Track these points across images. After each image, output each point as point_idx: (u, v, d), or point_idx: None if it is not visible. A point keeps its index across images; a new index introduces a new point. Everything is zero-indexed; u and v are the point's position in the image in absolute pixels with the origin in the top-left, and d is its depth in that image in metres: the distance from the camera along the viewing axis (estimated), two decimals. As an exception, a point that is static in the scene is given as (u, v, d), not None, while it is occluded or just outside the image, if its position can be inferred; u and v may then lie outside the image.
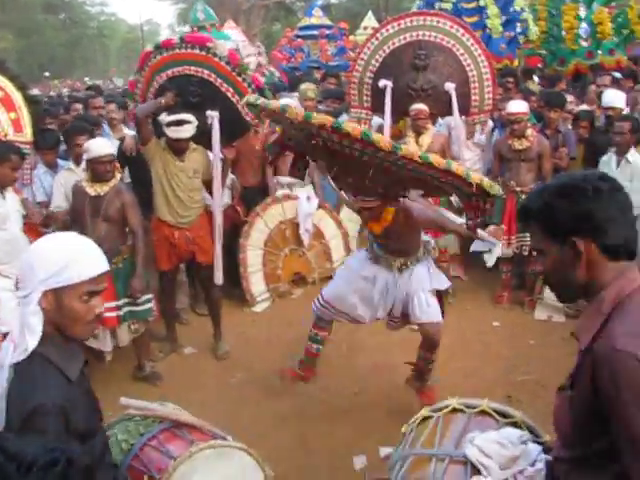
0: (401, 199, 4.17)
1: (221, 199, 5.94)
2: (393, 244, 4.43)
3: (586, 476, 1.90)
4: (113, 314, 5.03)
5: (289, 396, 4.98)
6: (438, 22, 6.84)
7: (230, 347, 5.83)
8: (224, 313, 6.04)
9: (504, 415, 2.57)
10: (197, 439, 2.74)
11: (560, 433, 2.01)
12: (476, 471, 2.24)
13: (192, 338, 6.08)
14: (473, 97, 6.95)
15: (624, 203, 1.89)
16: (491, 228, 4.28)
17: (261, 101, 3.95)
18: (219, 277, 5.83)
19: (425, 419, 2.67)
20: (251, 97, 4.12)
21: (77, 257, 2.08)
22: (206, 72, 5.62)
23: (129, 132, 6.71)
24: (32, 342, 2.02)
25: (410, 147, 6.17)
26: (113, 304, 5.01)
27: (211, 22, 10.36)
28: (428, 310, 4.42)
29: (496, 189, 3.76)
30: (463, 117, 6.92)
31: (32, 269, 2.04)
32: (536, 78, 9.82)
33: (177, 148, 5.53)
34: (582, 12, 10.47)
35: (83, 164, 5.26)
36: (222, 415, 4.40)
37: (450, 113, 6.90)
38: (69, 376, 2.08)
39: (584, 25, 10.15)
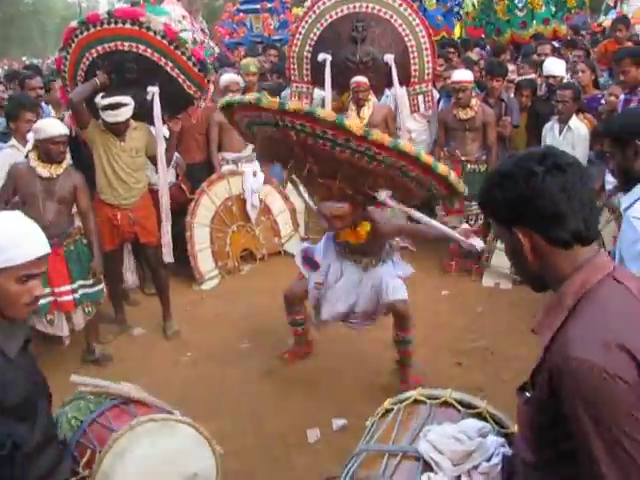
0: (369, 209, 4.22)
1: (166, 176, 5.84)
2: (357, 249, 4.48)
3: (552, 477, 1.77)
4: (69, 297, 4.97)
5: (241, 373, 4.96)
6: None
7: (180, 326, 5.77)
8: (172, 292, 5.97)
9: (469, 405, 2.47)
10: (142, 414, 2.71)
11: (522, 434, 1.89)
12: (429, 467, 2.15)
13: (141, 319, 6.00)
14: (413, 67, 6.97)
15: (568, 184, 1.65)
16: (461, 229, 4.32)
17: (236, 98, 3.92)
18: (169, 255, 5.76)
19: (387, 412, 2.60)
20: (228, 98, 4.04)
21: (15, 239, 2.05)
22: (141, 47, 5.41)
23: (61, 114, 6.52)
24: None
25: (352, 119, 6.21)
26: (68, 287, 4.95)
27: None
28: (395, 290, 4.48)
29: (462, 187, 3.83)
30: (404, 87, 6.92)
31: None
32: (477, 49, 9.89)
33: (116, 130, 5.38)
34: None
35: (29, 144, 5.09)
36: (175, 394, 4.35)
37: (391, 84, 6.90)
38: (7, 353, 2.05)
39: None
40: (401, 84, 6.89)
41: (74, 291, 4.98)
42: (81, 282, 5.04)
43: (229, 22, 14.38)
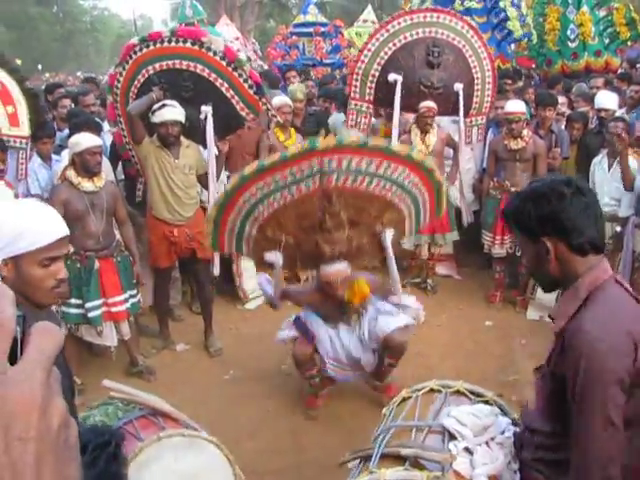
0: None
1: (216, 195, 5.92)
2: (344, 309, 4.49)
3: (558, 450, 2.10)
4: (122, 307, 5.08)
5: (282, 394, 4.98)
6: (450, 21, 6.80)
7: (223, 344, 5.83)
8: (217, 311, 6.04)
9: (478, 395, 2.80)
10: (170, 427, 2.73)
11: (538, 408, 2.24)
12: (453, 438, 2.44)
13: (185, 335, 6.08)
14: (475, 99, 6.99)
15: (588, 204, 2.06)
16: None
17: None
18: (217, 267, 5.82)
19: (404, 400, 2.87)
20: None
21: (33, 224, 2.08)
22: (199, 67, 5.56)
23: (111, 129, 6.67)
24: None
25: (417, 146, 6.31)
26: (122, 297, 5.06)
27: (199, 18, 10.30)
28: (389, 320, 4.45)
29: (429, 163, 4.06)
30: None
31: None
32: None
33: (166, 136, 5.38)
34: (572, 15, 10.50)
35: (64, 161, 5.20)
36: (214, 412, 4.40)
37: (450, 113, 6.90)
38: None
39: (572, 27, 10.17)
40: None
41: (126, 301, 5.09)
42: (130, 292, 5.16)
43: (282, 44, 14.55)
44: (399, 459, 2.37)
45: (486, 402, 2.75)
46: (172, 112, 5.36)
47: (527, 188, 2.21)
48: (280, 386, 5.05)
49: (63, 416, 0.61)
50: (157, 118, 5.37)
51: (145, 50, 5.60)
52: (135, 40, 5.71)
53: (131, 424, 2.75)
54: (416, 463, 2.32)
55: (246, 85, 5.61)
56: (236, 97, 5.70)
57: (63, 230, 2.15)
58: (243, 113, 5.81)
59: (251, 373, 5.34)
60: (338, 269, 4.15)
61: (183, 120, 5.44)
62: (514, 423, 2.56)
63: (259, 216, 4.12)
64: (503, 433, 2.46)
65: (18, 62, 31.24)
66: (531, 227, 2.10)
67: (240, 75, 5.59)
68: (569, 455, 2.02)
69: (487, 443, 2.42)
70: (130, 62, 5.68)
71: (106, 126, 7.04)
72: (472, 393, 2.81)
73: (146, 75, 5.67)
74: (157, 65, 5.61)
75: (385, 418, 2.81)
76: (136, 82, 5.73)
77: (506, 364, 5.38)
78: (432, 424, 2.54)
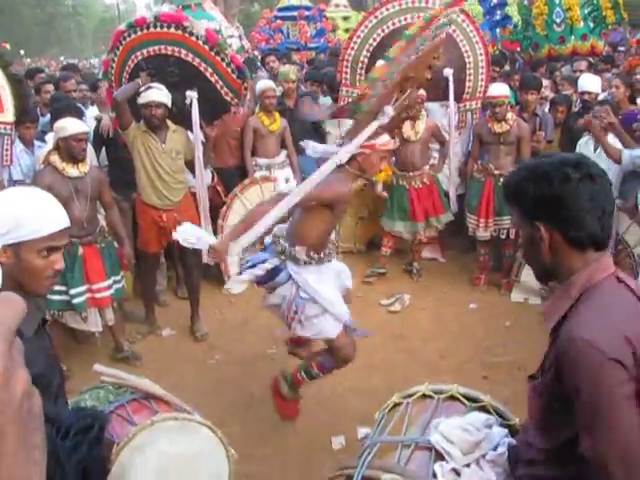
0: None
1: (204, 179, 5.92)
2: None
3: (554, 465, 1.92)
4: (107, 294, 5.08)
5: (267, 378, 4.99)
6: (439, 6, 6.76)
7: (208, 329, 5.83)
8: (202, 295, 6.03)
9: (474, 400, 2.60)
10: (163, 411, 2.72)
11: (532, 420, 2.05)
12: (441, 456, 2.26)
13: (170, 320, 6.07)
14: (467, 84, 6.96)
15: (596, 194, 1.81)
16: None
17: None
18: (206, 256, 5.78)
19: (396, 405, 2.70)
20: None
21: (37, 213, 2.08)
22: (183, 52, 5.54)
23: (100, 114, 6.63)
24: None
25: (406, 133, 6.34)
26: (106, 284, 5.06)
27: (196, 1, 10.20)
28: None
29: None
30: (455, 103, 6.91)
31: None
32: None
33: (150, 117, 5.39)
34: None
35: (47, 146, 5.17)
36: (200, 396, 4.41)
37: (440, 99, 6.89)
38: (23, 332, 2.07)
39: (558, 10, 10.18)
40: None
41: (109, 287, 5.08)
42: (114, 278, 5.15)
43: (266, 28, 14.48)
44: None
45: (482, 407, 2.56)
46: (157, 94, 5.37)
47: (532, 162, 1.99)
48: (265, 370, 5.05)
49: (26, 386, 0.62)
50: (142, 99, 5.39)
51: (133, 36, 5.60)
52: (123, 26, 5.70)
53: (123, 408, 2.74)
54: None
55: (229, 69, 5.59)
56: (220, 82, 5.67)
57: (65, 221, 2.15)
58: (227, 98, 5.79)
59: (236, 357, 5.35)
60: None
61: (169, 103, 5.45)
62: (512, 432, 2.38)
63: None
64: (496, 448, 2.27)
65: (7, 46, 30.92)
66: (527, 207, 1.89)
67: (223, 59, 5.57)
68: (562, 473, 1.89)
69: (478, 461, 2.24)
70: (120, 48, 5.68)
71: (91, 112, 6.99)
72: (467, 398, 2.61)
73: (135, 61, 5.66)
74: (145, 51, 5.60)
75: (376, 426, 2.67)
76: (127, 68, 5.73)
77: (490, 346, 5.43)
78: (419, 440, 2.36)
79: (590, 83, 6.84)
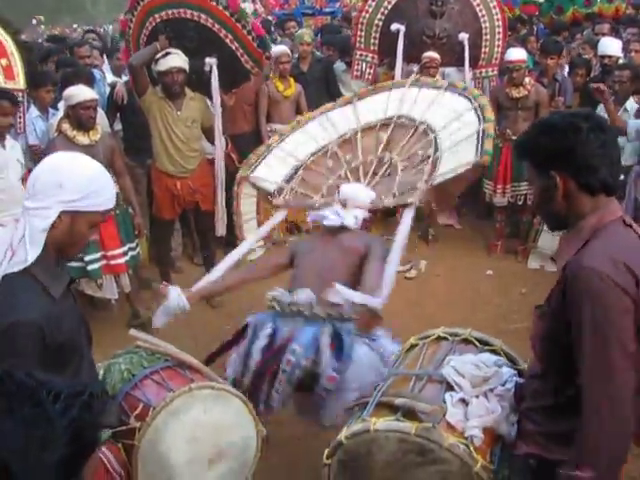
0: None
1: (222, 149, 5.87)
2: None
3: (551, 395, 2.06)
4: (122, 260, 5.12)
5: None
6: None
7: (224, 296, 5.83)
8: (218, 261, 6.02)
9: (486, 343, 2.76)
10: (198, 380, 2.75)
11: (534, 349, 2.18)
12: (451, 388, 2.41)
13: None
14: (483, 49, 6.84)
15: (605, 142, 1.95)
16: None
17: None
18: (221, 228, 5.78)
19: (413, 346, 2.84)
20: None
21: (102, 187, 2.14)
22: (203, 17, 5.43)
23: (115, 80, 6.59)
24: (32, 254, 2.04)
25: None
26: (121, 250, 5.09)
27: None
28: None
29: None
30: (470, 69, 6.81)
31: (60, 187, 2.06)
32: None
33: (171, 84, 5.33)
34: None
35: (59, 113, 5.14)
36: (216, 363, 4.42)
37: (456, 64, 6.79)
38: (53, 294, 2.10)
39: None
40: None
41: (125, 254, 5.09)
42: (130, 245, 5.16)
43: (281, -7, 14.33)
44: (393, 408, 2.37)
45: (494, 351, 2.69)
46: (176, 60, 5.30)
47: (543, 119, 2.14)
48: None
49: None
50: (161, 67, 5.31)
51: None
52: None
53: (157, 374, 2.78)
54: (409, 413, 2.31)
55: (250, 37, 5.49)
56: (240, 49, 5.58)
57: (114, 201, 2.24)
58: (248, 66, 5.71)
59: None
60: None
61: (187, 68, 5.37)
62: (520, 374, 2.51)
63: None
64: (504, 385, 2.41)
65: (41, 18, 30.66)
66: (542, 160, 2.02)
67: (244, 27, 5.48)
68: (562, 400, 2.01)
69: (485, 394, 2.38)
70: (138, 8, 5.57)
71: (109, 77, 6.94)
72: (480, 342, 2.76)
73: (154, 23, 5.55)
74: (163, 13, 5.48)
75: (392, 364, 2.81)
76: (145, 30, 5.63)
77: (506, 313, 5.41)
78: (432, 373, 2.51)
79: (610, 46, 6.72)
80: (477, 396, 2.36)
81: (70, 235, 2.11)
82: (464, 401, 2.35)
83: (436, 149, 4.04)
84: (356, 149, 4.34)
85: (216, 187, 5.79)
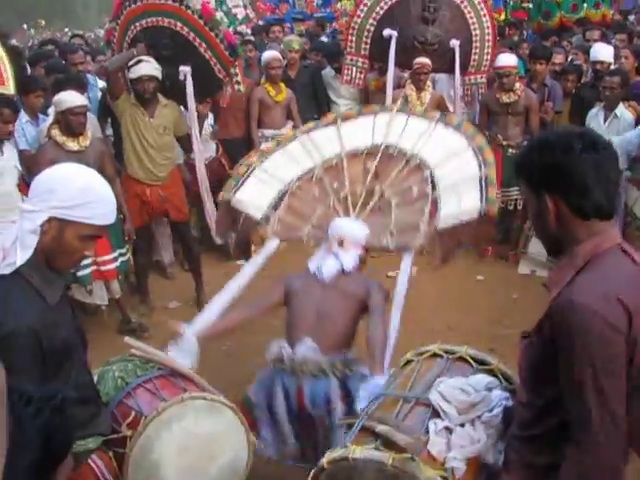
0: None
1: (202, 155, 5.89)
2: None
3: (534, 425, 1.96)
4: (112, 266, 5.11)
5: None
6: None
7: (214, 300, 5.82)
8: (208, 265, 6.04)
9: (482, 362, 2.65)
10: (191, 389, 2.75)
11: (521, 378, 2.09)
12: (438, 414, 2.33)
13: (178, 292, 6.07)
14: (473, 57, 6.87)
15: (599, 163, 1.83)
16: None
17: None
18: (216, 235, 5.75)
19: (409, 362, 2.78)
20: None
21: (95, 201, 2.13)
22: (179, 25, 5.47)
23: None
24: (22, 257, 2.04)
25: (412, 102, 6.22)
26: (111, 256, 5.07)
27: None
28: None
29: None
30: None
31: (51, 193, 2.07)
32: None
33: (142, 92, 5.33)
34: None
35: (49, 119, 5.13)
36: (208, 368, 4.41)
37: (446, 70, 6.82)
38: (48, 300, 2.10)
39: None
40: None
41: (115, 260, 5.08)
42: (120, 251, 5.15)
43: (272, -2, 14.31)
44: (375, 435, 2.31)
45: (490, 371, 2.59)
46: (147, 67, 5.31)
47: (538, 136, 2.11)
48: (272, 338, 5.07)
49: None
50: (133, 74, 5.33)
51: (134, 6, 5.53)
52: None
53: (151, 382, 2.77)
54: (389, 442, 2.24)
55: (222, 46, 5.53)
56: (214, 58, 5.63)
57: (112, 219, 2.23)
58: (220, 75, 5.76)
59: (242, 327, 5.33)
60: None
61: (159, 76, 5.39)
62: (514, 392, 2.39)
63: None
64: (492, 410, 2.30)
65: (42, 22, 30.50)
66: (533, 179, 1.92)
67: (216, 35, 5.52)
68: (543, 431, 1.93)
69: (472, 422, 2.30)
70: (122, 17, 5.63)
71: (101, 82, 6.94)
72: (476, 360, 2.66)
73: (134, 31, 5.60)
74: (143, 22, 5.53)
75: (387, 381, 2.77)
76: (127, 38, 5.67)
77: (497, 318, 5.42)
78: (420, 397, 2.44)
79: (603, 53, 6.74)
80: (462, 424, 2.29)
81: (58, 243, 2.10)
82: (448, 429, 2.28)
83: (433, 187, 3.83)
84: (343, 177, 4.09)
85: (202, 193, 5.83)
